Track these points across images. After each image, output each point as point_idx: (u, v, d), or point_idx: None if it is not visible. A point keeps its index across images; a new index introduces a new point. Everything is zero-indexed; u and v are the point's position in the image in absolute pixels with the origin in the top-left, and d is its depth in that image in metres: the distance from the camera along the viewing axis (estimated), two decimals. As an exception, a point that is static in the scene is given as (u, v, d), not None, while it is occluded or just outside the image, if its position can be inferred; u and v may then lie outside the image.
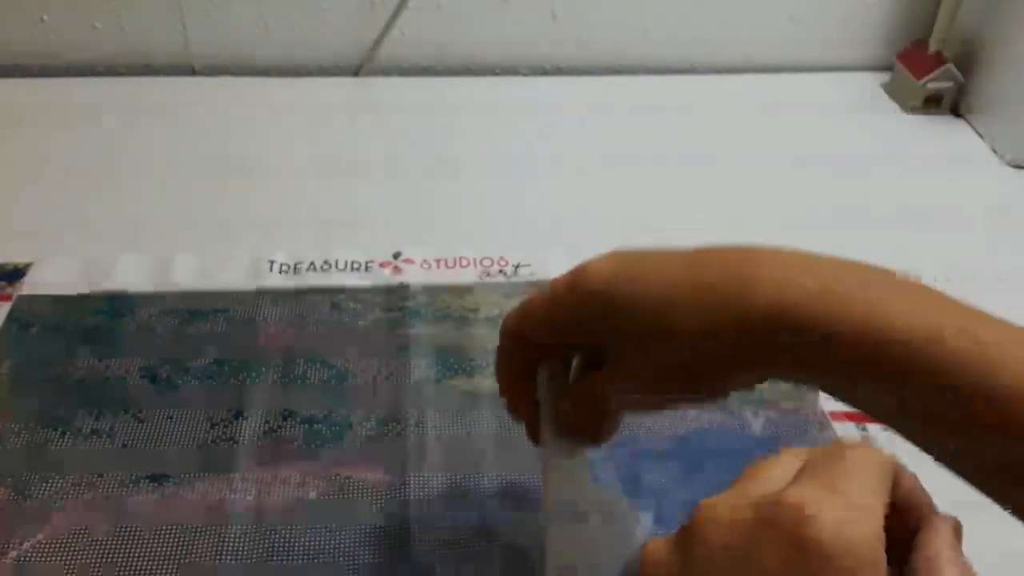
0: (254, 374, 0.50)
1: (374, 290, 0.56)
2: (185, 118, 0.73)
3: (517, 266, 0.59)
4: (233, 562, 0.41)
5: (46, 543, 0.41)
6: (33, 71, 0.78)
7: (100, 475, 0.45)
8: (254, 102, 0.76)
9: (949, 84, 0.78)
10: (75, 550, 0.41)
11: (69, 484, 0.44)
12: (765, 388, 0.51)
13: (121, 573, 0.41)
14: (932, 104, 0.79)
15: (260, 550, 0.42)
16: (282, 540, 0.42)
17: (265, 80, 0.80)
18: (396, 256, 0.59)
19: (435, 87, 0.80)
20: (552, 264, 0.59)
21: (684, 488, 0.45)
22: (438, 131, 0.73)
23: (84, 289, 0.55)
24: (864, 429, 0.50)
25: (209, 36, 0.78)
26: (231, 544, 0.42)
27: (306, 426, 0.48)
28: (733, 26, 0.83)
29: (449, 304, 0.56)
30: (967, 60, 0.77)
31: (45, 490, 0.44)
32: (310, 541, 0.42)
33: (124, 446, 0.46)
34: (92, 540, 0.42)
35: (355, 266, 0.58)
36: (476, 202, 0.66)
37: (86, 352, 0.51)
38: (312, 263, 0.58)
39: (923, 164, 0.73)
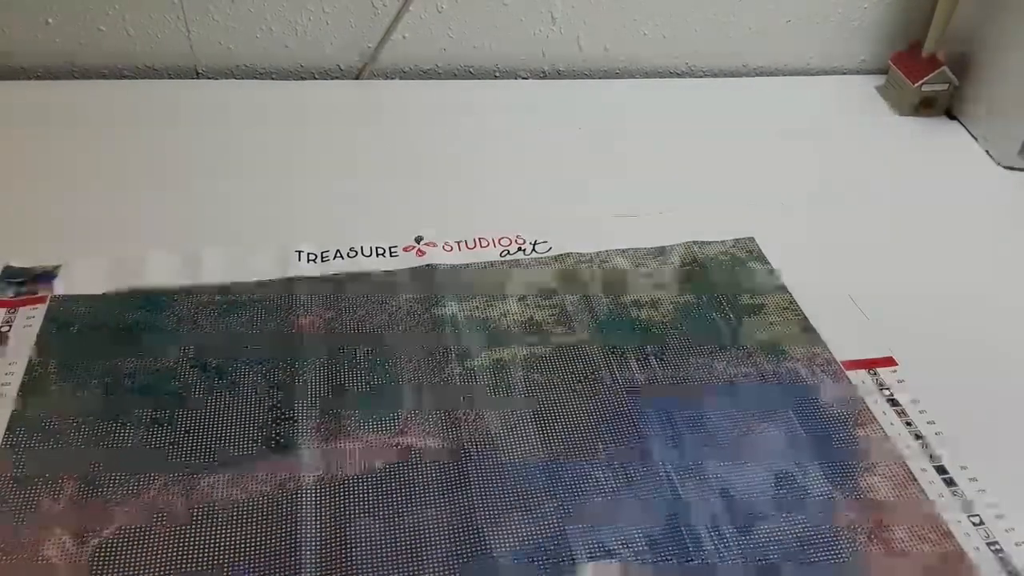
0: (301, 356, 0.52)
1: (402, 273, 0.59)
2: (189, 120, 0.74)
3: (535, 243, 0.62)
4: (311, 533, 0.43)
5: (125, 529, 0.43)
6: (37, 73, 0.79)
7: (168, 461, 0.46)
8: (257, 105, 0.76)
9: (944, 87, 0.78)
10: (154, 535, 0.43)
11: (138, 472, 0.45)
12: (782, 337, 0.56)
13: (200, 554, 0.42)
14: (927, 107, 0.80)
15: (336, 520, 0.44)
16: (356, 508, 0.44)
17: (267, 83, 0.81)
18: (418, 240, 0.61)
19: (436, 90, 0.81)
20: (569, 240, 0.62)
21: (704, 436, 0.50)
22: (439, 134, 0.74)
23: (116, 287, 0.56)
24: (874, 374, 0.54)
25: (212, 39, 0.79)
26: (306, 516, 0.44)
27: (360, 400, 0.50)
28: (730, 29, 0.84)
29: (475, 281, 0.58)
30: (962, 63, 0.78)
31: (114, 480, 0.45)
32: (384, 508, 0.44)
33: (187, 433, 0.48)
34: (170, 524, 0.43)
35: (380, 252, 0.60)
36: (479, 205, 0.66)
37: (132, 347, 0.52)
38: (339, 251, 0.60)
39: (917, 166, 0.74)
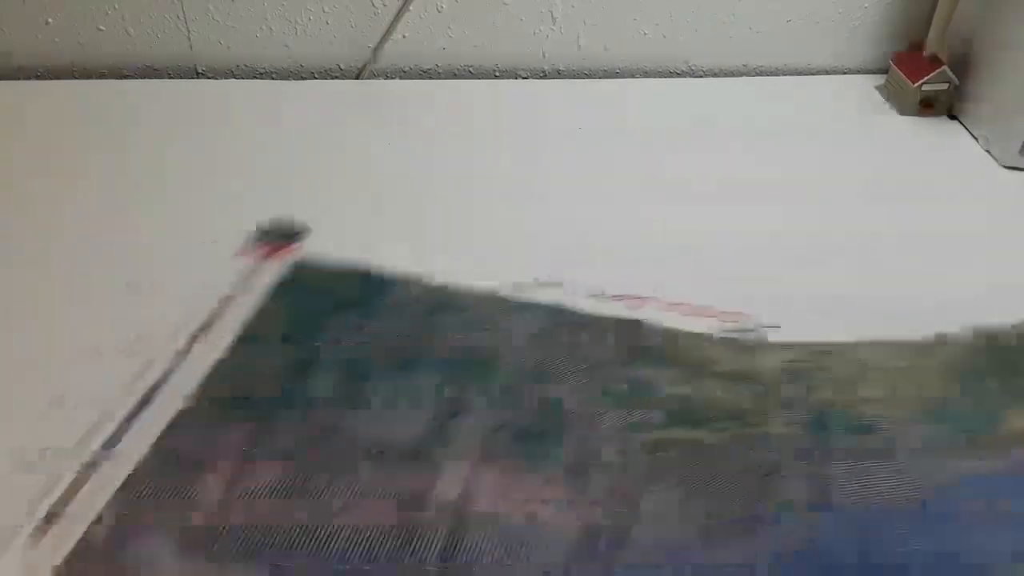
0: (480, 376, 0.52)
1: (608, 321, 0.56)
2: (188, 119, 0.74)
3: (765, 325, 0.56)
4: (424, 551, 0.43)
5: (269, 485, 0.45)
6: (37, 73, 0.79)
7: (326, 442, 0.48)
8: (256, 104, 0.76)
9: (944, 87, 0.78)
10: (288, 499, 0.45)
11: (302, 441, 0.47)
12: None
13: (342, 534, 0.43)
14: (927, 107, 0.80)
15: (450, 547, 0.43)
16: (476, 542, 0.43)
17: (268, 83, 0.81)
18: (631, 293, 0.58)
19: (436, 89, 0.81)
20: (804, 326, 0.55)
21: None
22: (438, 132, 0.74)
23: (350, 265, 0.59)
24: None
25: (212, 39, 0.79)
26: (426, 537, 0.43)
27: (518, 441, 0.48)
28: (731, 30, 0.84)
29: (682, 350, 0.54)
30: (962, 63, 0.77)
31: (278, 440, 0.47)
32: (498, 553, 0.43)
33: (353, 418, 0.49)
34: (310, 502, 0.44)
35: (592, 293, 0.58)
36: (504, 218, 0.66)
37: (342, 319, 0.55)
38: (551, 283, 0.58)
39: (918, 166, 0.74)
